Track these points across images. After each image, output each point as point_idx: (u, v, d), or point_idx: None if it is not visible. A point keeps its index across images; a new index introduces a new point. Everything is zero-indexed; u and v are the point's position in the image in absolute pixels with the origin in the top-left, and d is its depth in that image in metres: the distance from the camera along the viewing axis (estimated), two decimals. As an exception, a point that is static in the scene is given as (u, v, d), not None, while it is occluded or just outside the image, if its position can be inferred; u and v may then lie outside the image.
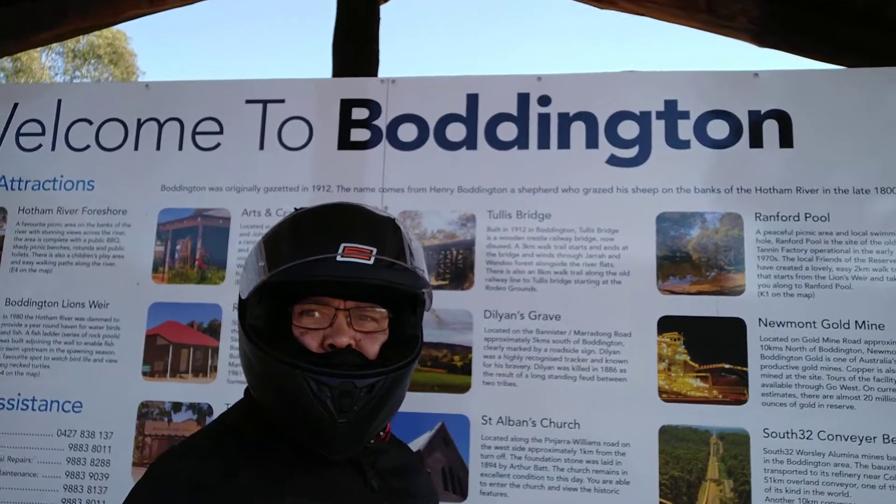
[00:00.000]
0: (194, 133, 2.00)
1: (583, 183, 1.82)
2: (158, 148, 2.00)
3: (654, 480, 1.65)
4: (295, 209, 1.05)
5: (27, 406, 1.88)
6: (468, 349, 1.77)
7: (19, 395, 1.89)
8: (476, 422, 1.73)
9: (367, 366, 0.96)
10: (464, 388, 1.75)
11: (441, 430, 1.74)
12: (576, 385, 1.72)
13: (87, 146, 2.03)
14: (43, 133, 2.05)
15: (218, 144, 1.99)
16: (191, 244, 1.94)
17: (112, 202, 1.98)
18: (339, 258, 0.92)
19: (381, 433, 1.08)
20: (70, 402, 1.87)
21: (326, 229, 0.97)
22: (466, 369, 1.76)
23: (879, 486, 1.59)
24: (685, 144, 1.82)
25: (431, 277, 1.79)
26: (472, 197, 1.86)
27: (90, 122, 2.04)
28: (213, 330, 1.87)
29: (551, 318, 1.76)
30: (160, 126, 2.01)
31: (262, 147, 1.97)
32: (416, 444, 1.73)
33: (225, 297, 1.89)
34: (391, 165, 1.91)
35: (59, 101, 2.06)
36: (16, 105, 2.06)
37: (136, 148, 2.01)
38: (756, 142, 1.79)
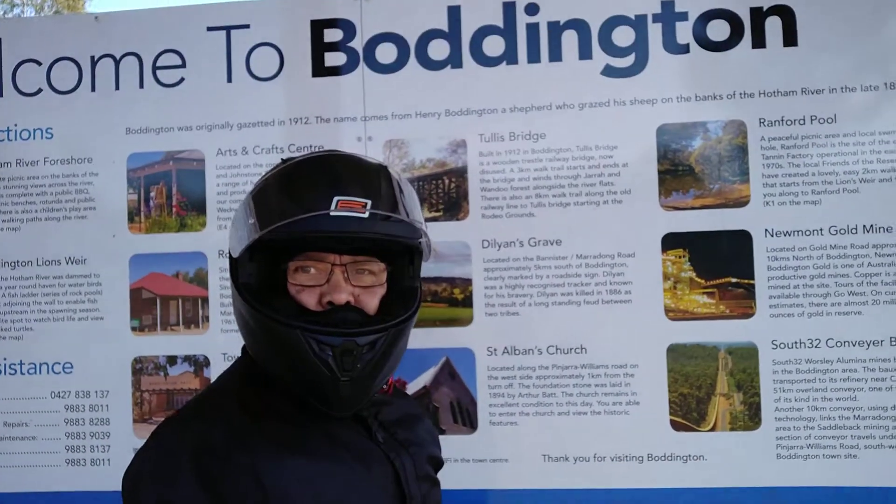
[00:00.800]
0: (154, 68, 1.84)
1: (577, 98, 1.72)
2: (118, 87, 1.85)
3: (664, 399, 1.65)
4: (282, 160, 0.99)
5: (15, 370, 1.82)
6: (468, 281, 1.72)
7: (5, 359, 1.83)
8: (481, 354, 1.71)
9: (368, 322, 0.93)
10: (466, 320, 1.71)
11: (446, 364, 1.71)
12: (580, 310, 1.68)
13: (39, 90, 1.86)
14: (-13, 77, 1.88)
15: (182, 79, 1.84)
16: (165, 190, 1.83)
17: (75, 150, 1.84)
18: (332, 213, 0.88)
19: (384, 386, 1.06)
20: (60, 363, 1.81)
21: (317, 183, 0.92)
22: (468, 302, 1.71)
23: (886, 387, 1.60)
24: (684, 49, 1.70)
25: (424, 209, 1.71)
26: (461, 120, 1.75)
27: (39, 63, 1.87)
28: (201, 279, 1.79)
29: (552, 244, 1.70)
30: (116, 63, 1.85)
31: (229, 80, 1.82)
32: (422, 381, 1.71)
33: (208, 243, 1.80)
34: (371, 91, 1.78)
35: (0, 40, 1.88)
36: (-50, 46, 1.88)
37: (93, 89, 1.85)
38: (758, 42, 1.68)
